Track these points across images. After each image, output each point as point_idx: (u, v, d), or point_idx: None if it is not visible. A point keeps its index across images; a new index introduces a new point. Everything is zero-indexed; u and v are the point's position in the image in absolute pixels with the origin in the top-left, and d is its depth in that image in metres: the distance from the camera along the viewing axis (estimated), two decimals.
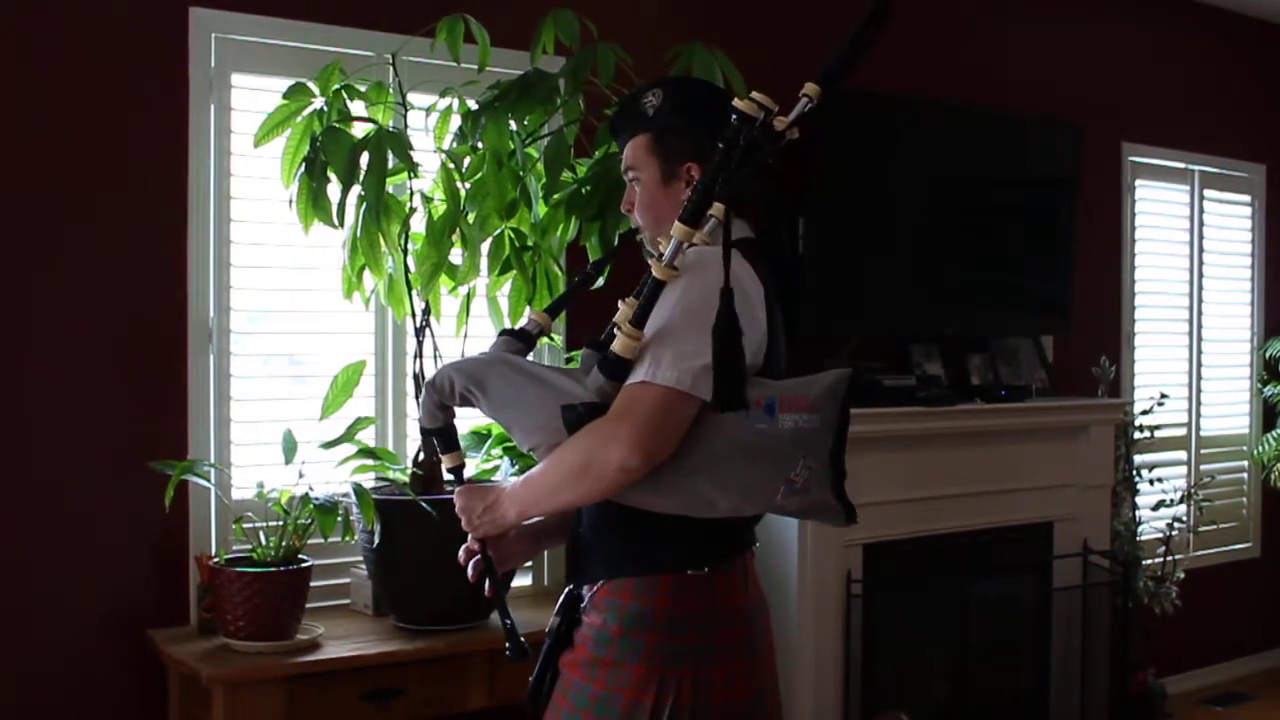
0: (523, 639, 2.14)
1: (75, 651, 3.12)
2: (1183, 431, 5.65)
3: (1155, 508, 5.14)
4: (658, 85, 2.18)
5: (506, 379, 2.03)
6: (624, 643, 2.01)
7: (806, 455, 1.91)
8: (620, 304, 1.95)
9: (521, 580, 3.68)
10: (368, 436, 3.36)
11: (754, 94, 1.93)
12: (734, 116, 1.92)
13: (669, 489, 1.93)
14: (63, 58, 3.11)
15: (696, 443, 1.91)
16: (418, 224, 3.13)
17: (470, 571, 2.17)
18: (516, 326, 2.27)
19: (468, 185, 3.08)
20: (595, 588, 2.07)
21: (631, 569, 2.03)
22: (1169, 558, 5.11)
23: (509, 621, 2.16)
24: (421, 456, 3.15)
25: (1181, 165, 5.65)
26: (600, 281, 2.37)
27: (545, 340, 2.41)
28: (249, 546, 3.08)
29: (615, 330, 1.94)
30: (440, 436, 2.15)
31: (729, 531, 2.08)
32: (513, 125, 3.07)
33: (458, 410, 2.12)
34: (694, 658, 2.02)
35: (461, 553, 2.18)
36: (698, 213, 1.92)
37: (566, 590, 2.14)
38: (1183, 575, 5.13)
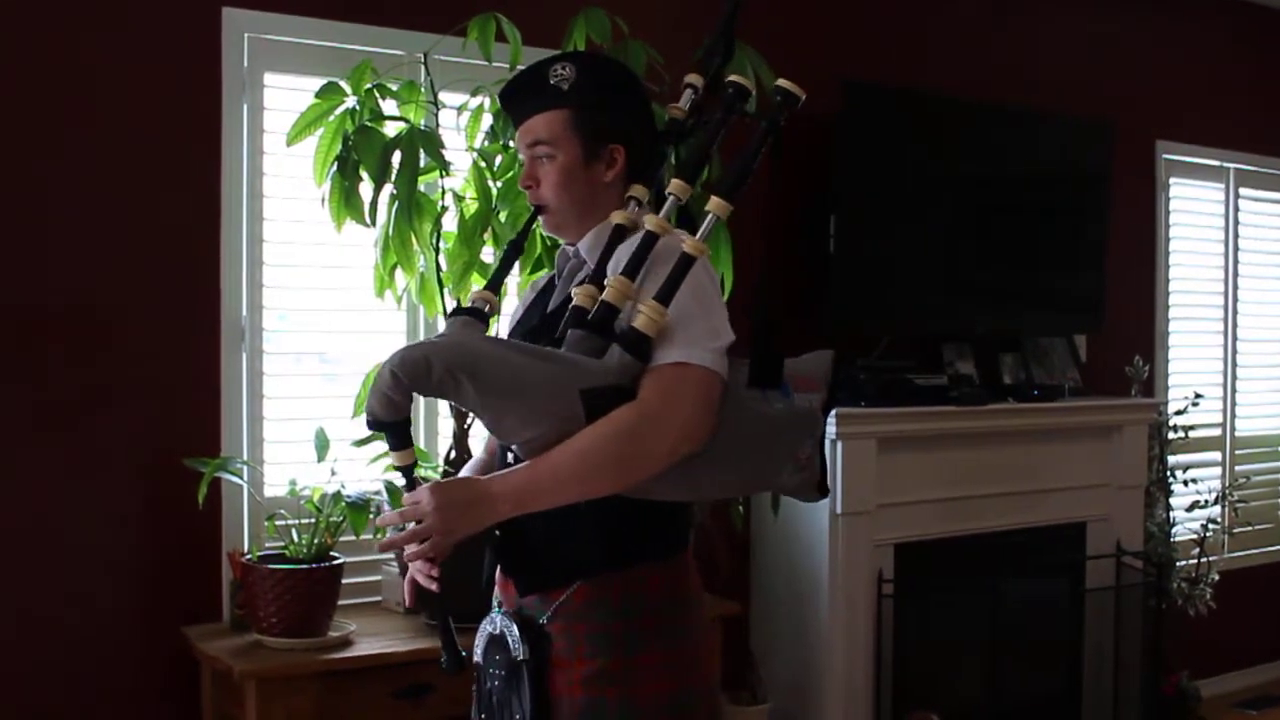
0: (461, 649, 2.02)
1: (109, 647, 3.14)
2: (1218, 432, 5.59)
3: (1189, 509, 5.09)
4: (566, 59, 2.06)
5: (504, 361, 1.84)
6: (630, 640, 1.92)
7: (814, 433, 1.97)
8: (607, 281, 1.91)
9: None
10: None
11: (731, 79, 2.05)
12: (778, 96, 1.94)
13: (688, 475, 1.88)
14: (97, 58, 3.13)
15: (720, 425, 1.88)
16: (449, 223, 3.14)
17: (409, 594, 2.03)
18: (467, 305, 2.12)
19: (499, 184, 3.08)
20: (569, 591, 1.92)
21: (614, 563, 1.93)
22: (1203, 559, 5.07)
23: (450, 631, 2.01)
24: (453, 454, 3.15)
25: (1216, 163, 5.59)
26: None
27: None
28: (281, 544, 3.10)
29: (604, 304, 1.88)
30: (396, 431, 1.93)
31: (687, 512, 2.05)
32: None
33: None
34: (696, 633, 2.01)
35: (412, 582, 2.00)
36: (735, 189, 1.92)
37: (515, 607, 1.98)
38: (1217, 577, 5.08)
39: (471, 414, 1.93)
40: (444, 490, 1.90)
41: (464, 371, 1.82)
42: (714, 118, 2.04)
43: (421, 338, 3.53)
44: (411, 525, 1.90)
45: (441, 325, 3.22)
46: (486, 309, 2.11)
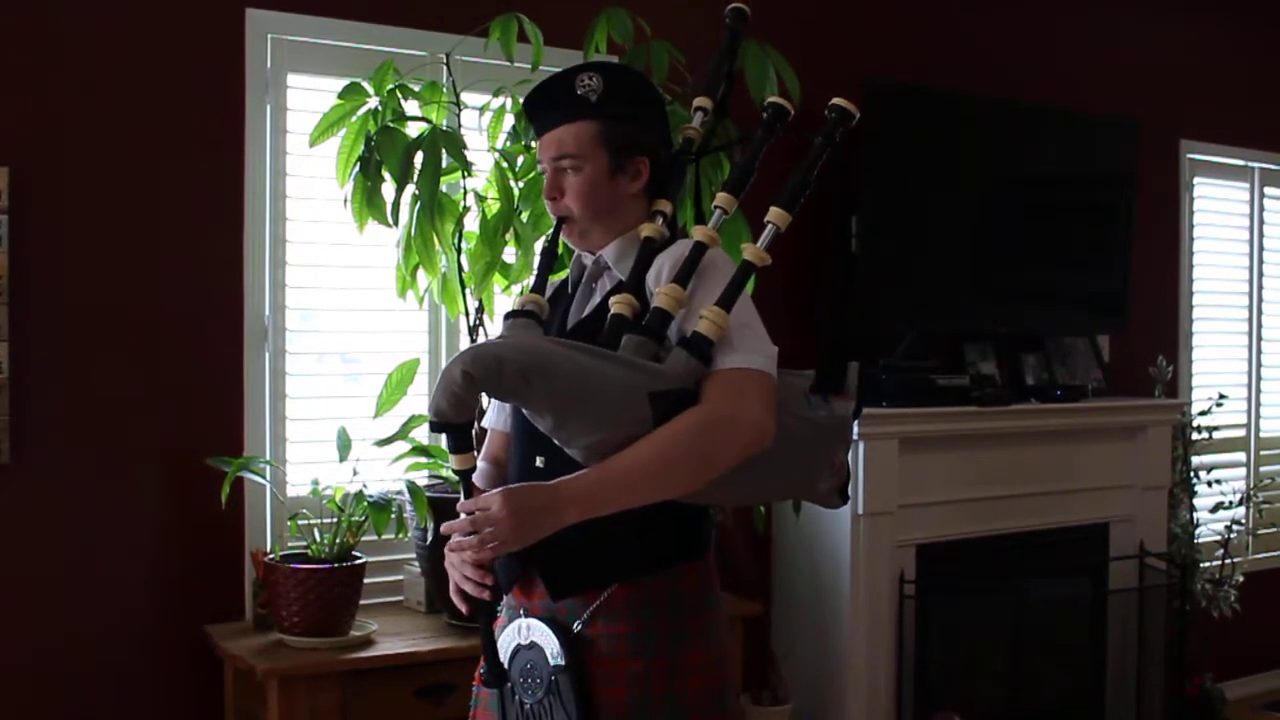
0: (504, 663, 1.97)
1: (132, 645, 3.16)
2: (1242, 433, 5.55)
3: (1213, 510, 5.06)
4: (592, 69, 2.04)
5: (576, 363, 1.81)
6: (674, 638, 1.93)
7: (849, 440, 2.05)
8: (659, 289, 1.93)
9: None
10: (421, 434, 3.37)
11: (772, 98, 2.12)
12: (833, 113, 2.02)
13: (740, 480, 1.88)
14: (121, 59, 3.15)
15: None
16: (471, 223, 3.14)
17: (462, 602, 1.95)
18: (520, 308, 2.07)
19: (521, 184, 3.09)
20: (607, 592, 1.91)
21: (653, 563, 1.93)
22: (1227, 560, 5.04)
23: (494, 642, 1.96)
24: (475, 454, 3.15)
25: (1241, 162, 5.55)
26: None
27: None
28: (304, 543, 3.11)
29: (659, 310, 1.90)
30: (459, 433, 1.84)
31: (711, 511, 2.07)
32: None
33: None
34: (725, 630, 2.04)
35: (462, 590, 1.92)
36: (794, 201, 1.98)
37: (545, 612, 1.93)
38: (1242, 578, 5.05)
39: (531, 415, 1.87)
40: (516, 497, 1.83)
41: (536, 373, 1.78)
42: (755, 135, 2.08)
43: (443, 338, 3.54)
44: (482, 532, 1.83)
45: (463, 326, 3.25)
46: (540, 313, 2.08)
